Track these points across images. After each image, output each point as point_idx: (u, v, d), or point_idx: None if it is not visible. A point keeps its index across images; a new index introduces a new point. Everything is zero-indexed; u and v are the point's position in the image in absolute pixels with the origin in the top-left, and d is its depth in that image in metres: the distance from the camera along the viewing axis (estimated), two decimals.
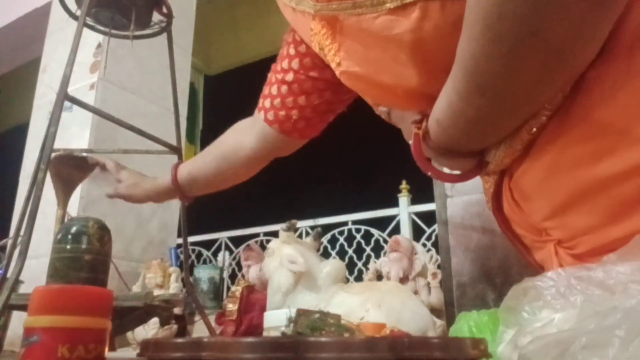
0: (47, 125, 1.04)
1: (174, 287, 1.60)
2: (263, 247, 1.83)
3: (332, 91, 0.85)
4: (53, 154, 1.07)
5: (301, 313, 0.42)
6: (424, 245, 1.78)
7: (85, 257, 0.78)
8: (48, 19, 2.30)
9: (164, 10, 1.26)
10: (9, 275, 0.93)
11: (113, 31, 1.22)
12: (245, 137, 0.97)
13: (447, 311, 1.20)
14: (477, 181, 1.20)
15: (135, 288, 1.61)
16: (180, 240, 1.81)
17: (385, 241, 1.87)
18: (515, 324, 0.41)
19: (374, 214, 2.02)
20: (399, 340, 0.29)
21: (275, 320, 0.88)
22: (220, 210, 3.34)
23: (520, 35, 0.41)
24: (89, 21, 1.20)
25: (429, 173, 0.61)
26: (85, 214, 1.70)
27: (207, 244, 2.36)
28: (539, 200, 0.54)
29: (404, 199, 1.96)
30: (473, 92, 0.48)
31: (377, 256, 1.86)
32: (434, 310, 1.18)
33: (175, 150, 1.33)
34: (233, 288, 1.37)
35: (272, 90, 0.86)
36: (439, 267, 1.26)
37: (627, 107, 0.47)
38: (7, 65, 3.14)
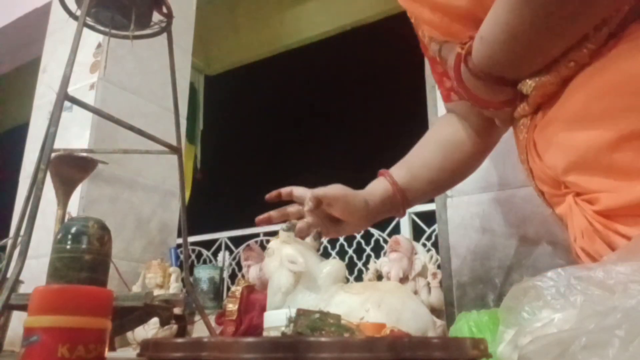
0: (47, 125, 1.04)
1: (174, 287, 1.60)
2: (263, 247, 1.83)
3: None
4: (53, 154, 1.07)
5: (301, 313, 0.42)
6: (424, 245, 1.78)
7: (85, 257, 0.78)
8: (48, 19, 2.30)
9: (164, 10, 1.26)
10: (9, 275, 0.93)
11: (113, 31, 1.22)
12: (456, 129, 0.84)
13: (447, 311, 1.20)
14: (477, 181, 1.20)
15: (135, 288, 1.61)
16: (180, 240, 1.81)
17: (385, 241, 1.87)
18: (515, 324, 0.41)
19: None
20: (399, 340, 0.29)
21: (275, 320, 0.88)
22: (220, 210, 3.35)
23: None
24: (89, 21, 1.20)
25: (463, 93, 0.62)
26: (85, 214, 1.70)
27: (207, 244, 2.36)
28: (559, 152, 0.54)
29: None
30: (521, 11, 0.49)
31: (377, 256, 1.86)
32: (434, 310, 1.17)
33: (175, 150, 1.33)
34: (233, 288, 1.37)
35: (437, 69, 0.84)
36: (439, 267, 1.26)
37: None
38: (7, 65, 3.14)
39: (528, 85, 0.56)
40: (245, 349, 0.30)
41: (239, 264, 2.05)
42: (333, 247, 2.03)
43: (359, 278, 1.90)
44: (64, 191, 1.40)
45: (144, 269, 1.67)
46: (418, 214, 1.92)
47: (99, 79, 1.91)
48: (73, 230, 0.79)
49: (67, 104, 1.04)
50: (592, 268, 0.39)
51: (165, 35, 1.32)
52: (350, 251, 1.99)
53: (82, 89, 1.89)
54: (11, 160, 2.22)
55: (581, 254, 0.54)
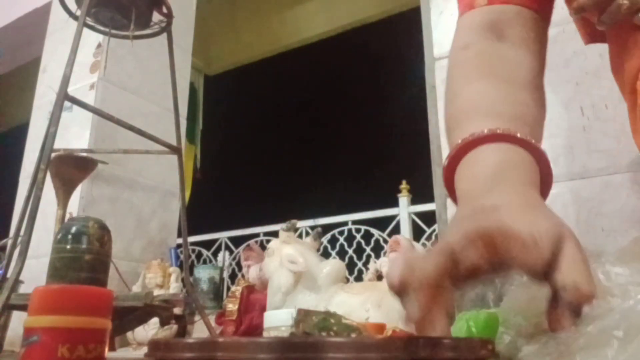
0: (47, 125, 1.04)
1: (174, 287, 1.60)
2: (263, 247, 1.83)
3: None
4: (53, 154, 1.08)
5: (305, 313, 0.42)
6: (424, 245, 1.78)
7: (85, 257, 0.78)
8: (48, 19, 2.30)
9: (164, 10, 1.26)
10: (9, 275, 0.93)
11: (113, 31, 1.22)
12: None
13: None
14: None
15: (135, 288, 1.61)
16: (180, 240, 1.81)
17: (385, 241, 1.87)
18: (515, 325, 0.41)
19: (374, 214, 2.03)
20: (414, 340, 0.30)
21: (275, 320, 0.88)
22: (220, 210, 3.35)
23: None
24: (89, 21, 1.20)
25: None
26: (85, 214, 1.70)
27: (207, 244, 2.36)
28: None
29: (404, 199, 1.97)
30: None
31: (377, 256, 1.86)
32: None
33: (175, 150, 1.33)
34: (233, 288, 1.37)
35: None
36: None
37: None
38: (7, 65, 3.14)
39: None
40: (262, 349, 0.29)
41: (239, 264, 2.05)
42: (333, 247, 2.03)
43: (359, 278, 1.90)
44: (64, 191, 1.40)
45: (144, 269, 1.67)
46: (418, 214, 1.92)
47: (99, 79, 1.91)
48: (73, 230, 0.80)
49: (67, 104, 1.04)
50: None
51: (165, 35, 1.32)
52: (350, 251, 1.99)
53: (82, 89, 1.89)
54: (11, 160, 2.22)
55: None
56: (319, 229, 1.23)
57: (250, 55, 3.49)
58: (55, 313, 0.48)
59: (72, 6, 1.19)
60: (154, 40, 1.35)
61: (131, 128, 1.21)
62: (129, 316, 1.01)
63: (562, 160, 1.13)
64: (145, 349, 0.37)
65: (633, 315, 0.29)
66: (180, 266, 1.72)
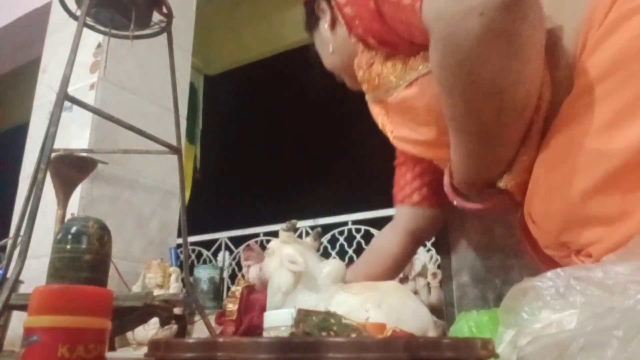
0: (47, 125, 1.04)
1: (174, 287, 1.60)
2: (263, 247, 1.83)
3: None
4: (53, 154, 1.07)
5: (305, 313, 0.42)
6: (424, 245, 1.78)
7: (85, 257, 0.78)
8: (48, 19, 2.30)
9: (164, 10, 1.26)
10: (9, 275, 0.93)
11: (113, 31, 1.22)
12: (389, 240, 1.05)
13: (447, 311, 1.20)
14: None
15: (135, 288, 1.61)
16: (180, 240, 1.81)
17: None
18: (515, 325, 0.41)
19: (374, 214, 2.03)
20: (413, 341, 0.30)
21: (275, 320, 0.88)
22: (220, 210, 3.35)
23: (477, 96, 0.58)
24: (89, 21, 1.20)
25: (455, 203, 0.77)
26: (85, 214, 1.70)
27: (207, 244, 2.36)
28: (547, 221, 0.62)
29: None
30: (461, 138, 0.65)
31: None
32: (434, 310, 1.18)
33: (175, 150, 1.33)
34: (233, 288, 1.37)
35: (407, 177, 1.01)
36: (439, 267, 1.26)
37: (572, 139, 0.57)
38: (7, 65, 3.14)
39: (504, 181, 0.67)
40: (262, 349, 0.29)
41: (239, 264, 2.05)
42: (333, 247, 2.03)
43: None
44: (64, 191, 1.40)
45: (144, 269, 1.67)
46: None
47: (99, 79, 1.91)
48: (73, 230, 0.79)
49: (67, 104, 1.04)
50: (591, 269, 0.39)
51: (165, 35, 1.32)
52: (350, 251, 1.99)
53: (82, 89, 1.89)
54: (11, 160, 2.22)
55: None
56: (319, 229, 1.23)
57: (250, 55, 3.49)
58: (55, 313, 0.48)
59: (72, 6, 1.19)
60: (154, 40, 1.35)
61: (131, 128, 1.21)
62: (129, 316, 1.01)
63: None
64: (145, 349, 0.37)
65: (633, 315, 0.29)
66: (180, 266, 1.72)
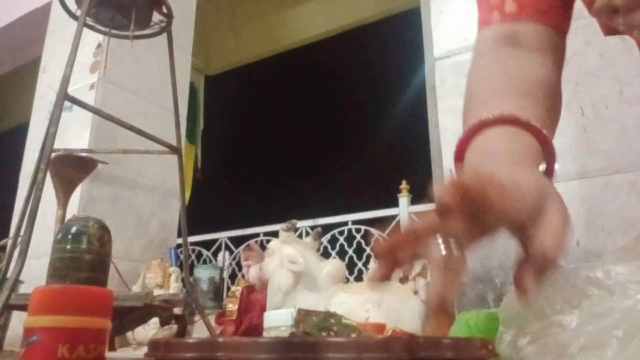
0: (47, 125, 1.04)
1: (174, 287, 1.60)
2: (263, 247, 1.83)
3: None
4: (53, 154, 1.08)
5: (304, 313, 0.42)
6: None
7: (85, 257, 0.78)
8: (48, 19, 2.30)
9: (164, 10, 1.26)
10: (9, 275, 0.93)
11: (113, 31, 1.22)
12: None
13: None
14: None
15: (135, 288, 1.61)
16: (180, 240, 1.81)
17: None
18: (515, 325, 0.41)
19: (374, 214, 2.02)
20: (413, 341, 0.30)
21: (275, 320, 0.88)
22: (220, 210, 3.35)
23: None
24: (89, 21, 1.20)
25: None
26: (85, 214, 1.70)
27: (207, 244, 2.36)
28: None
29: (404, 199, 1.96)
30: None
31: None
32: None
33: (175, 150, 1.33)
34: (233, 288, 1.37)
35: None
36: None
37: None
38: (7, 65, 3.14)
39: None
40: (262, 349, 0.29)
41: (239, 264, 2.05)
42: (333, 247, 2.03)
43: (359, 278, 1.90)
44: (64, 191, 1.40)
45: (144, 269, 1.67)
46: (418, 214, 1.92)
47: (99, 79, 1.91)
48: (73, 230, 0.80)
49: (67, 104, 1.04)
50: (591, 268, 0.39)
51: (165, 35, 1.32)
52: (350, 251, 1.99)
53: (82, 89, 1.89)
54: (11, 160, 2.22)
55: None
56: (319, 229, 1.23)
57: (250, 55, 3.49)
58: (55, 313, 0.48)
59: (72, 6, 1.19)
60: (154, 40, 1.35)
61: (131, 128, 1.21)
62: (129, 316, 1.01)
63: (562, 160, 1.13)
64: (145, 349, 0.37)
65: (633, 315, 0.29)
66: (180, 266, 1.72)
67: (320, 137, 3.92)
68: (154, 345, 0.35)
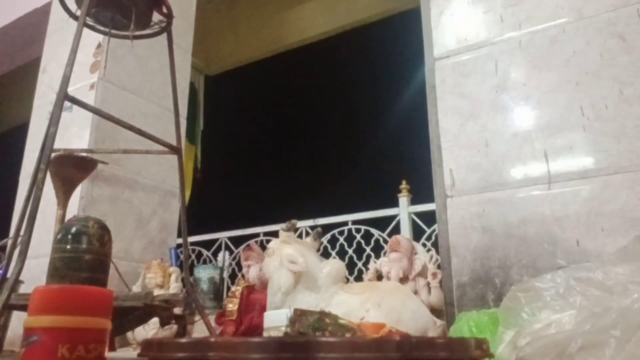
0: (47, 125, 1.04)
1: (174, 287, 1.60)
2: (263, 247, 1.83)
3: None
4: (53, 154, 1.08)
5: (300, 313, 0.42)
6: (424, 245, 1.78)
7: (85, 257, 0.78)
8: (48, 19, 2.30)
9: (164, 10, 1.26)
10: (9, 275, 0.93)
11: (113, 31, 1.22)
12: None
13: (447, 311, 1.20)
14: (477, 181, 1.20)
15: (135, 288, 1.61)
16: (180, 240, 1.81)
17: (385, 241, 1.87)
18: (515, 325, 0.41)
19: (374, 214, 2.02)
20: (406, 341, 0.30)
21: (275, 320, 0.88)
22: (220, 210, 3.35)
23: None
24: (89, 21, 1.20)
25: None
26: (85, 214, 1.70)
27: (207, 244, 2.36)
28: None
29: (404, 199, 1.97)
30: None
31: (377, 256, 1.86)
32: (434, 310, 1.18)
33: (175, 150, 1.33)
34: (233, 288, 1.37)
35: None
36: (439, 267, 1.26)
37: None
38: (7, 65, 3.14)
39: None
40: (255, 349, 0.29)
41: (239, 264, 2.05)
42: (333, 247, 2.03)
43: (359, 278, 1.90)
44: (64, 191, 1.40)
45: (144, 269, 1.67)
46: (418, 214, 1.92)
47: (99, 79, 1.91)
48: (73, 230, 0.80)
49: (67, 104, 1.04)
50: (591, 269, 0.39)
51: (165, 35, 1.32)
52: (350, 251, 1.99)
53: (82, 89, 1.89)
54: (11, 161, 2.22)
55: None
56: (319, 229, 1.23)
57: (250, 55, 3.49)
58: (55, 313, 0.48)
59: (72, 6, 1.19)
60: (154, 40, 1.35)
61: (131, 128, 1.21)
62: (129, 316, 1.01)
63: (562, 160, 1.13)
64: None
65: (630, 314, 0.29)
66: (180, 266, 1.72)
67: (321, 137, 3.92)
68: (147, 345, 0.35)
